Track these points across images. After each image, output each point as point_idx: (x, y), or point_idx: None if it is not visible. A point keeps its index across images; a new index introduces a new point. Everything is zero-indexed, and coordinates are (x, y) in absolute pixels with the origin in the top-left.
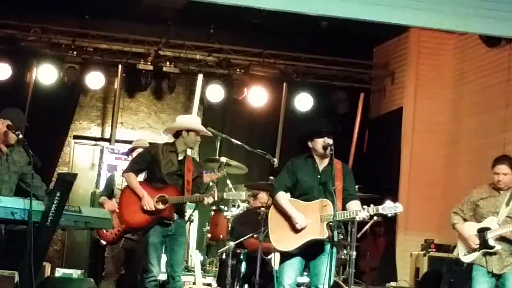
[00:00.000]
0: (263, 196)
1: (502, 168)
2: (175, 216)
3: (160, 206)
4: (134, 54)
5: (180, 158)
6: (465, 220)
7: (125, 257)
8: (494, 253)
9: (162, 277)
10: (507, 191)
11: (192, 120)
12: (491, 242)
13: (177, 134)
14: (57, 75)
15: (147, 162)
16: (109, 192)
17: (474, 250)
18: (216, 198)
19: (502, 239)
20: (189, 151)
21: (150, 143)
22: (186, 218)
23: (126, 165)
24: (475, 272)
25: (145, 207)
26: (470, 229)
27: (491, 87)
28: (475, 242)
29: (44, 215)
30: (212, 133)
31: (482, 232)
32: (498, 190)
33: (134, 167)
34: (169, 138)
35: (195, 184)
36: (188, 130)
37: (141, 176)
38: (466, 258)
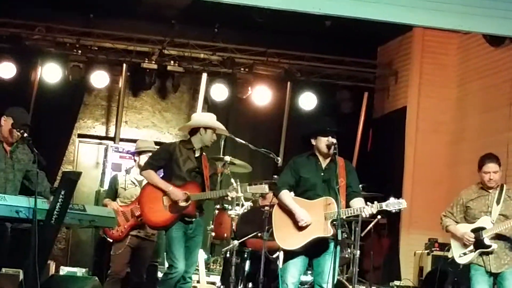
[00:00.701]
0: (271, 196)
1: (492, 166)
2: (197, 214)
3: (183, 204)
4: (139, 53)
5: (197, 155)
6: (456, 222)
7: (131, 255)
8: (491, 252)
9: None
10: (496, 189)
11: (210, 118)
12: (487, 241)
13: (194, 131)
14: (62, 74)
15: (166, 159)
16: (113, 192)
17: (470, 251)
18: (239, 193)
19: (497, 237)
20: None
21: (156, 143)
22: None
23: (144, 164)
24: (473, 272)
25: (176, 199)
26: (464, 229)
27: (495, 86)
28: (470, 237)
29: (48, 214)
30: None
31: (476, 232)
32: (486, 190)
33: (153, 165)
34: (174, 137)
35: (211, 181)
36: (206, 128)
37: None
38: (462, 260)
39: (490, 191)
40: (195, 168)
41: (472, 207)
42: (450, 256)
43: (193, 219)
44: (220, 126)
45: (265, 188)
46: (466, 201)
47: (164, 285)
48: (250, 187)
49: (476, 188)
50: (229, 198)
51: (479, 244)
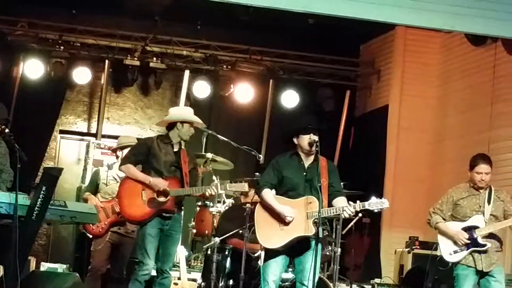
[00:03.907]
0: (253, 194)
1: (485, 167)
2: (176, 210)
3: (162, 199)
4: (121, 49)
5: (176, 149)
6: (444, 220)
7: (111, 251)
8: (483, 251)
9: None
10: (485, 190)
11: (186, 111)
12: (480, 240)
13: (171, 126)
14: (44, 70)
15: (144, 154)
16: (94, 187)
17: (461, 250)
18: (219, 190)
19: (488, 236)
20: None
21: (138, 139)
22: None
23: (122, 159)
24: (462, 271)
25: (158, 189)
26: (455, 227)
27: (477, 85)
28: (464, 237)
29: (29, 210)
30: (199, 128)
31: (468, 230)
32: (477, 189)
33: (131, 159)
34: (156, 134)
35: (191, 176)
36: (182, 122)
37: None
38: (452, 258)
39: (481, 191)
40: (174, 163)
41: (462, 205)
42: (439, 254)
43: (172, 215)
44: (197, 119)
45: (245, 186)
46: (457, 199)
47: (135, 285)
48: (230, 184)
49: (466, 187)
50: (207, 195)
51: (472, 242)
